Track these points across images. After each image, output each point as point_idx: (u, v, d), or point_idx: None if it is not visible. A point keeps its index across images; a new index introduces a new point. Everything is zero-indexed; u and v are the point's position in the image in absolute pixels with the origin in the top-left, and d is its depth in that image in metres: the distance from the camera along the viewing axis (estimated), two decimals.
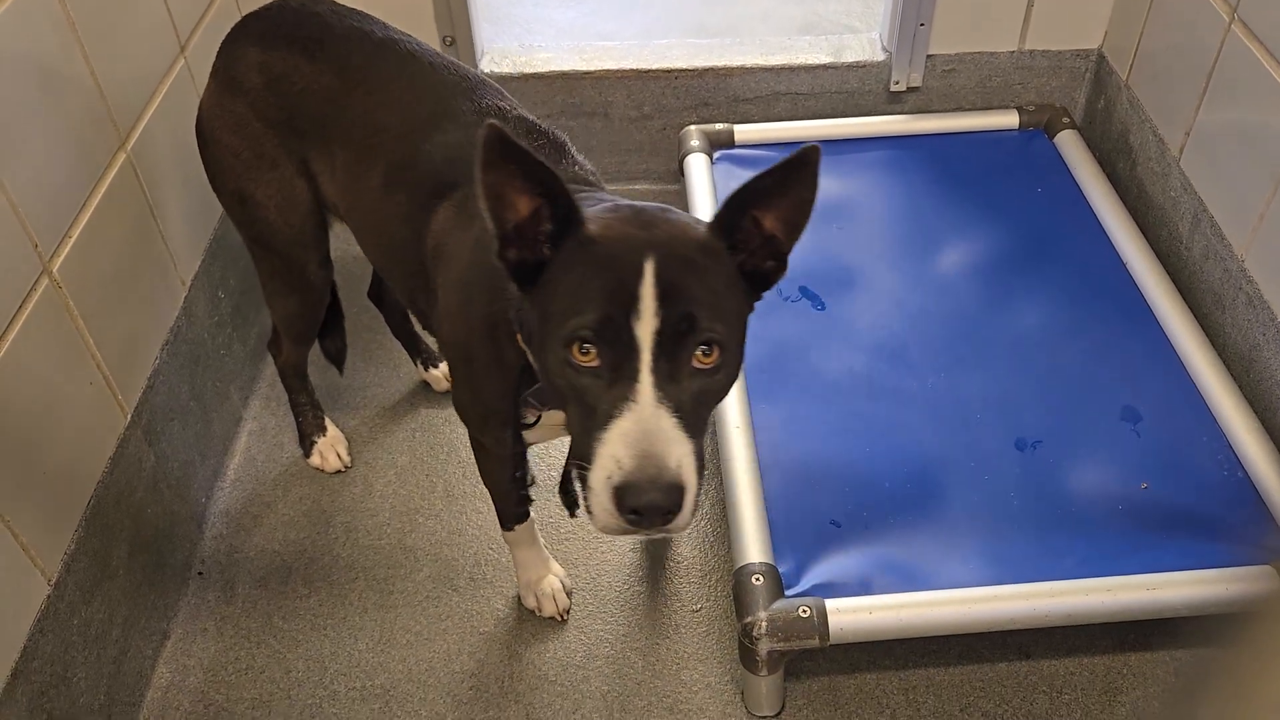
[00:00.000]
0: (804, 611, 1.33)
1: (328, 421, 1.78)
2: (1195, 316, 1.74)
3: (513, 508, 1.46)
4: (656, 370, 0.90)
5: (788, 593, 1.38)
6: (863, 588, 1.39)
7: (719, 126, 2.16)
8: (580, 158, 1.26)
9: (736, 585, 1.39)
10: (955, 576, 1.40)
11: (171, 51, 1.65)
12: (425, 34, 2.12)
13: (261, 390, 1.92)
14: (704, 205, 1.99)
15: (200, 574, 1.63)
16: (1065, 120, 2.14)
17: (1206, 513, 1.47)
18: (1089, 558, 1.42)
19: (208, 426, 1.72)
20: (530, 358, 1.06)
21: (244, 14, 1.42)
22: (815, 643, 1.32)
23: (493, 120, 0.90)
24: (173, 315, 1.62)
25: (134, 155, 1.51)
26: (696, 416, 0.93)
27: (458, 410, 1.32)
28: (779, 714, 1.44)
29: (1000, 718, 1.43)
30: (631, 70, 2.19)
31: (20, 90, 1.25)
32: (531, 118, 1.28)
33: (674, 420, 0.90)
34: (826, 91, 2.22)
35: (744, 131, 2.15)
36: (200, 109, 1.42)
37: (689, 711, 1.46)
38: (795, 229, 0.99)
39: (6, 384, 1.19)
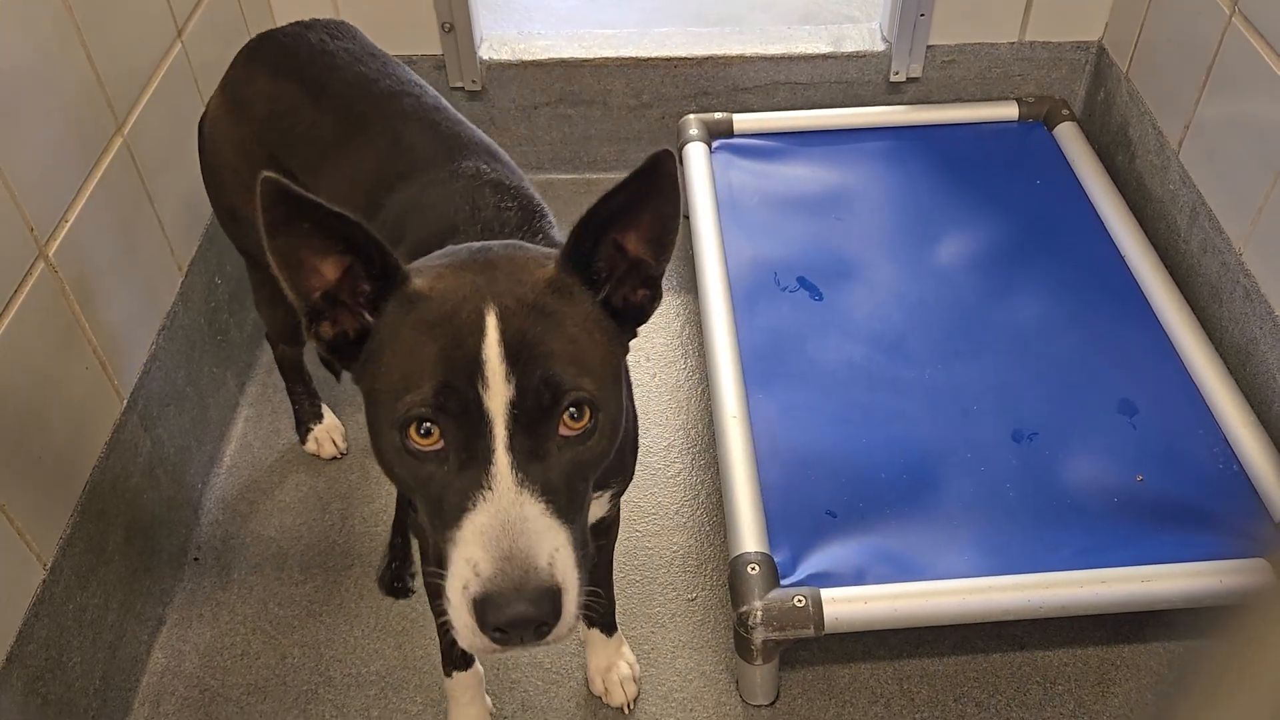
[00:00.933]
0: (799, 601, 1.33)
1: (324, 409, 1.78)
2: (1192, 309, 1.74)
3: (457, 651, 1.29)
4: (514, 447, 0.75)
5: (783, 582, 1.38)
6: (858, 578, 1.39)
7: (718, 115, 2.16)
8: (554, 230, 1.10)
9: (732, 574, 1.39)
10: (950, 567, 1.41)
11: (169, 36, 1.64)
12: (425, 21, 2.11)
13: (259, 376, 1.91)
14: (703, 194, 1.98)
15: (196, 560, 1.63)
16: (1065, 112, 2.14)
17: (1201, 506, 1.48)
18: (1084, 549, 1.42)
19: (204, 412, 1.72)
20: None
21: (256, 32, 1.39)
22: (810, 632, 1.33)
23: (268, 173, 0.76)
24: (169, 301, 1.62)
25: (130, 140, 1.50)
26: (572, 494, 0.78)
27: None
28: (774, 703, 1.45)
29: (994, 708, 1.44)
30: (631, 58, 2.19)
31: (17, 74, 1.24)
32: (510, 181, 1.14)
33: (541, 506, 0.75)
34: (826, 81, 2.22)
35: (743, 121, 2.14)
36: (206, 115, 1.39)
37: (684, 700, 1.46)
38: (663, 247, 0.85)
39: (2, 368, 1.19)
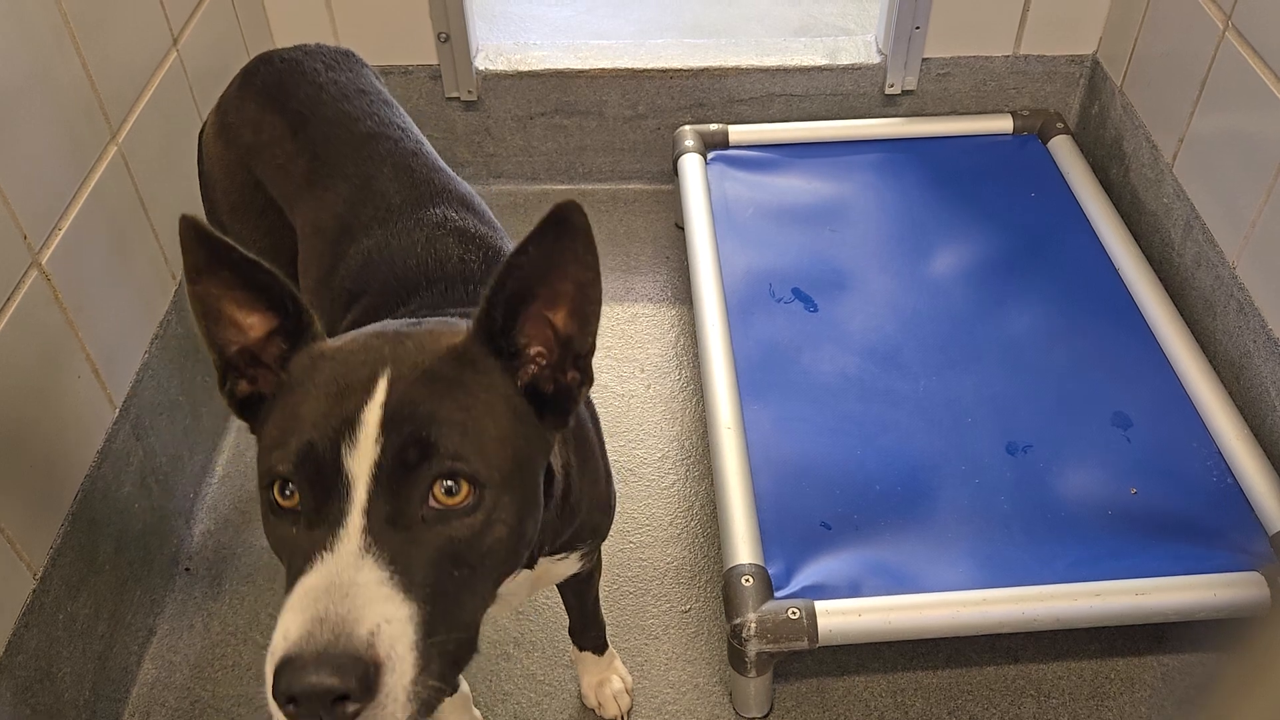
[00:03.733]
0: (793, 613, 1.33)
1: None
2: (1186, 322, 1.75)
3: None
4: (371, 512, 0.69)
5: (777, 594, 1.37)
6: (852, 590, 1.39)
7: (713, 127, 2.16)
8: None
9: (726, 586, 1.39)
10: (945, 579, 1.40)
11: (164, 44, 1.64)
12: (420, 31, 2.11)
13: None
14: (698, 206, 1.99)
15: (188, 570, 1.62)
16: (1059, 125, 2.14)
17: (1195, 518, 1.48)
18: (1078, 562, 1.42)
19: (197, 422, 1.71)
20: None
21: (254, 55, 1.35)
22: (804, 644, 1.32)
23: (186, 214, 0.73)
24: (163, 309, 1.61)
25: (125, 149, 1.50)
26: (439, 575, 0.71)
27: None
28: (767, 715, 1.44)
29: None
30: (626, 69, 2.19)
31: (11, 80, 1.24)
32: (478, 230, 1.10)
33: (384, 574, 0.67)
34: (821, 93, 2.22)
35: (739, 132, 2.15)
36: (204, 130, 1.36)
37: (677, 713, 1.46)
38: (585, 319, 0.78)
39: None
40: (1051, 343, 1.75)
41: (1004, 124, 2.17)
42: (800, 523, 1.48)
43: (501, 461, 0.74)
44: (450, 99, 2.20)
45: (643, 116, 2.24)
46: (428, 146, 1.23)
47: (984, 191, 2.04)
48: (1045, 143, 2.14)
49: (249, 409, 0.80)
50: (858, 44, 2.24)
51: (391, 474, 0.70)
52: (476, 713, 1.41)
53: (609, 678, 1.45)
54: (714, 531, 1.66)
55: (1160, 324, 1.74)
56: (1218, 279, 1.73)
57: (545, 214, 0.72)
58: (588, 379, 0.81)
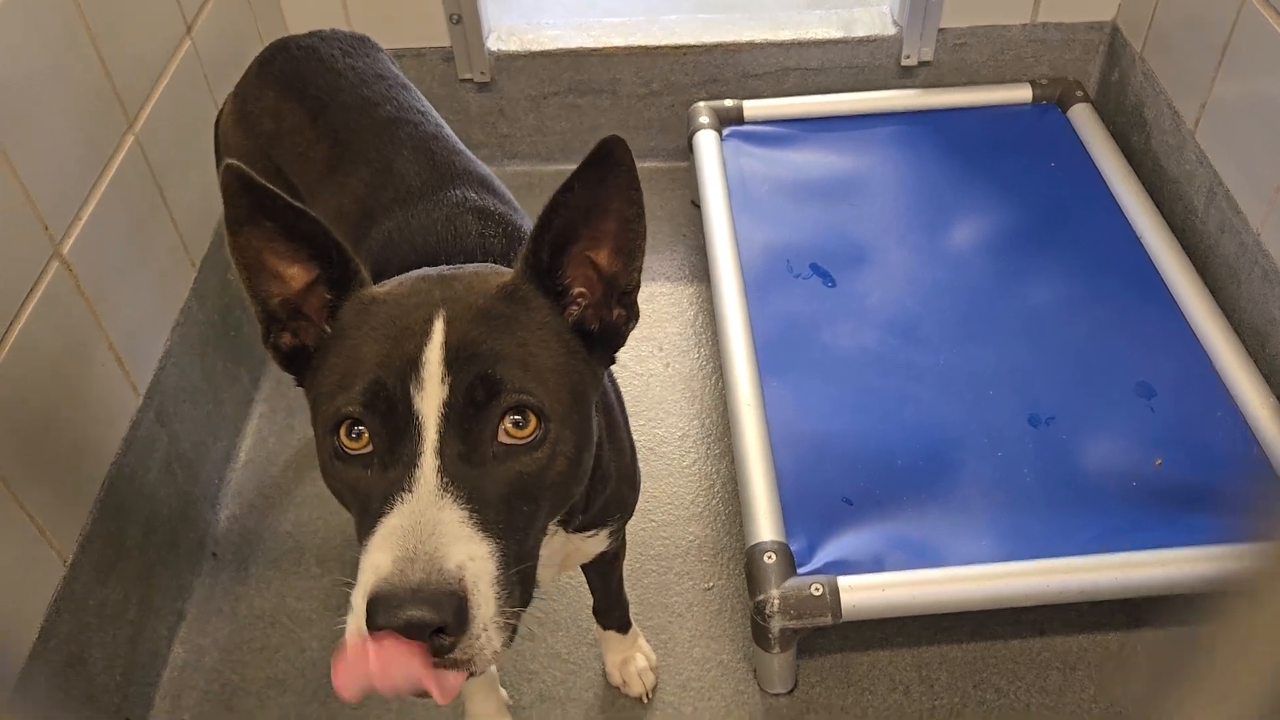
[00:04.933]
0: (816, 589, 1.33)
1: None
2: (1210, 290, 1.73)
3: None
4: (445, 452, 0.71)
5: (800, 570, 1.37)
6: (875, 565, 1.38)
7: (728, 103, 2.15)
8: None
9: (749, 563, 1.39)
10: (968, 553, 1.40)
11: (178, 33, 1.64)
12: (433, 13, 2.11)
13: (272, 373, 1.92)
14: (714, 182, 1.98)
15: (214, 555, 1.64)
16: (1079, 94, 2.12)
17: (1220, 488, 1.47)
18: (1102, 533, 1.41)
19: (219, 408, 1.73)
20: None
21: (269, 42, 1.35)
22: (828, 620, 1.32)
23: (231, 161, 0.74)
24: (183, 296, 1.62)
25: (142, 138, 1.50)
26: (510, 511, 0.73)
27: None
28: (792, 691, 1.45)
29: (1013, 694, 1.43)
30: (639, 47, 2.18)
31: (28, 72, 1.25)
32: (497, 209, 1.10)
33: (463, 513, 0.70)
34: (836, 66, 2.20)
35: (754, 108, 2.13)
36: (221, 117, 1.36)
37: (701, 689, 1.46)
38: (630, 256, 0.79)
39: (20, 366, 1.19)
40: (1073, 313, 1.73)
41: (1023, 93, 2.15)
42: (822, 499, 1.47)
43: (561, 394, 0.76)
44: (463, 80, 2.20)
45: (657, 94, 2.23)
46: (447, 129, 1.23)
47: (1003, 162, 2.02)
48: (1065, 111, 2.11)
49: (293, 362, 0.81)
50: (873, 15, 2.21)
51: (462, 412, 0.72)
52: (503, 692, 1.42)
53: (633, 656, 1.45)
54: (735, 509, 1.66)
55: (1183, 292, 1.72)
56: (1242, 246, 1.71)
57: (591, 150, 0.73)
58: (634, 315, 0.83)
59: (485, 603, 0.69)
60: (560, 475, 0.76)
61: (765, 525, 1.41)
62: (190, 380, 1.62)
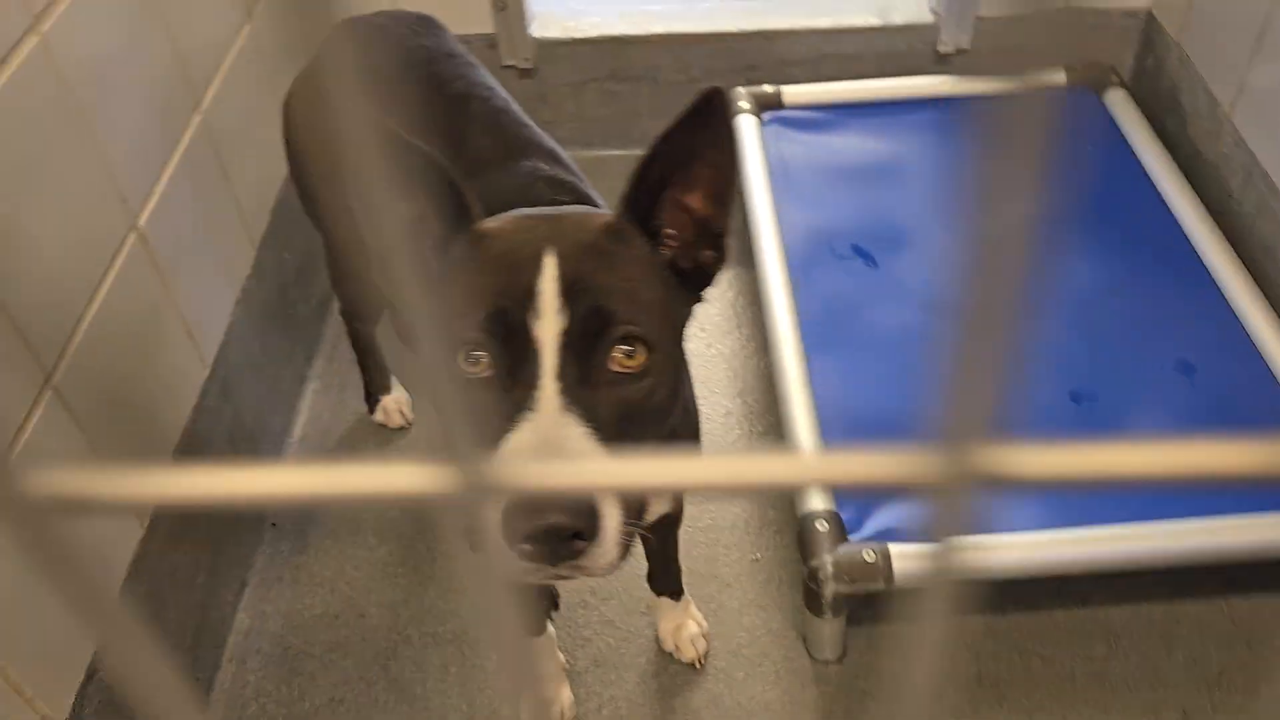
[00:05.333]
0: (869, 555, 1.36)
1: (393, 381, 1.82)
2: (1248, 270, 1.75)
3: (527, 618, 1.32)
4: (563, 375, 0.75)
5: (852, 537, 1.41)
6: (924, 533, 1.41)
7: (768, 88, 2.18)
8: None
9: (801, 530, 1.42)
10: (1014, 522, 1.43)
11: (240, 15, 1.68)
12: (477, 0, 2.14)
13: (324, 350, 1.96)
14: (755, 167, 2.01)
15: (274, 525, 1.68)
16: (1114, 79, 2.14)
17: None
18: (1148, 504, 1.44)
19: (277, 384, 1.77)
20: None
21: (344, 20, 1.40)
22: (880, 585, 1.36)
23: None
24: (244, 274, 1.66)
25: (208, 117, 1.55)
26: (620, 431, 0.77)
27: None
28: (841, 658, 1.48)
29: (1058, 663, 1.46)
30: (678, 34, 2.21)
31: (109, 48, 1.29)
32: (567, 179, 1.15)
33: (585, 431, 0.74)
34: (873, 54, 2.23)
35: (792, 93, 2.16)
36: (291, 97, 1.40)
37: (752, 656, 1.50)
38: (723, 201, 0.84)
39: (102, 336, 1.24)
40: (1112, 293, 1.76)
41: (1058, 78, 2.16)
42: None
43: (663, 327, 0.81)
44: (506, 67, 2.24)
45: (696, 80, 2.26)
46: (514, 104, 1.27)
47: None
48: (1100, 96, 2.14)
49: None
50: (910, 3, 2.24)
51: (578, 341, 0.76)
52: (561, 656, 1.45)
53: (686, 622, 1.49)
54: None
55: (1221, 270, 1.75)
56: (1278, 226, 1.73)
57: (691, 100, 0.77)
58: (723, 256, 0.87)
59: (611, 512, 0.73)
60: (661, 403, 0.81)
61: (816, 494, 1.45)
62: (250, 355, 1.66)
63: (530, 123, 1.25)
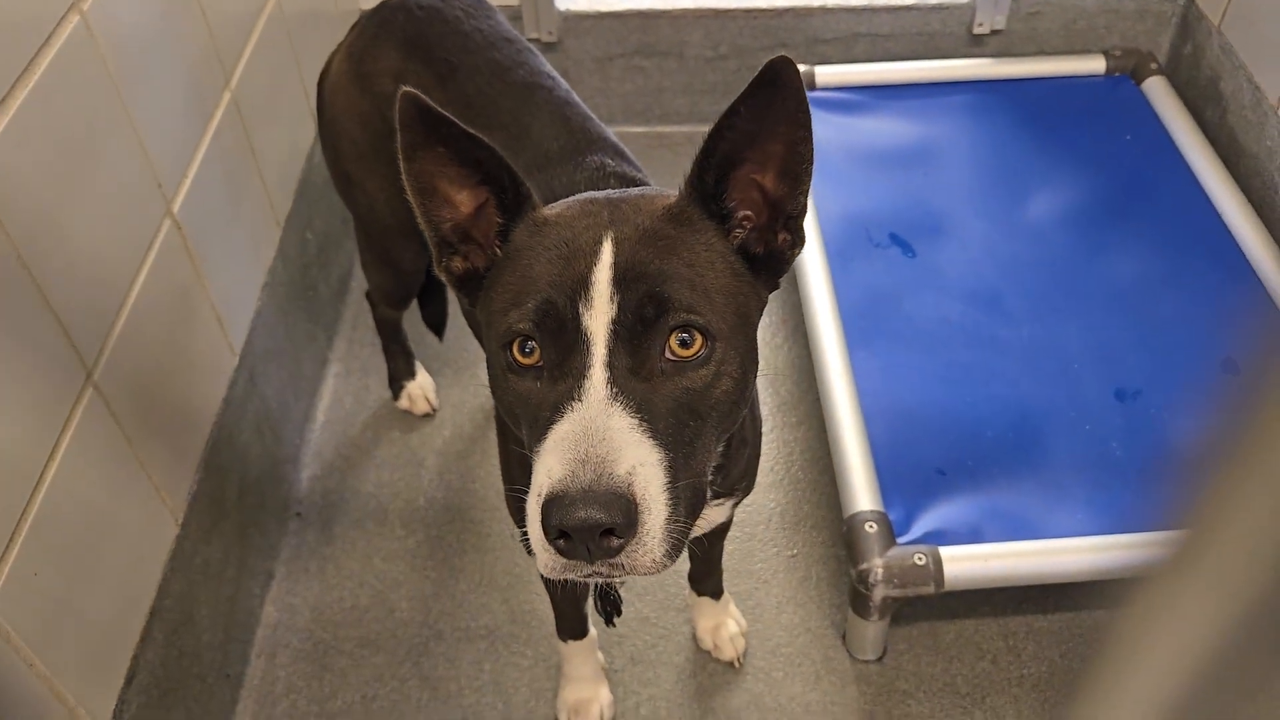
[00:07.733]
0: (920, 559, 1.34)
1: (418, 366, 1.78)
2: None
3: (570, 619, 1.31)
4: (613, 364, 0.73)
5: (900, 540, 1.38)
6: (973, 536, 1.39)
7: (800, 68, 2.12)
8: None
9: (849, 532, 1.40)
10: (1063, 525, 1.41)
11: None
12: None
13: (345, 332, 1.91)
14: None
15: (299, 514, 1.64)
16: (1153, 66, 2.10)
17: None
18: None
19: (299, 369, 1.72)
20: None
21: None
22: (930, 590, 1.33)
23: (408, 89, 0.77)
24: (270, 257, 1.61)
25: (237, 95, 1.49)
26: (678, 424, 0.74)
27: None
28: (881, 658, 1.46)
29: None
30: (709, 9, 2.15)
31: (145, 31, 1.23)
32: (635, 176, 1.11)
33: (632, 421, 0.72)
34: (907, 33, 2.18)
35: (825, 74, 2.11)
36: (327, 77, 1.34)
37: (791, 655, 1.48)
38: (797, 179, 0.79)
39: (140, 326, 1.19)
40: (1154, 288, 1.73)
41: (1096, 64, 2.13)
42: (916, 469, 1.48)
43: (727, 314, 0.77)
44: (530, 40, 2.17)
45: (724, 57, 2.21)
46: (576, 95, 1.22)
47: (1077, 133, 2.01)
48: (1138, 83, 2.10)
49: (465, 285, 0.84)
50: None
51: (630, 329, 0.74)
52: (600, 655, 1.43)
53: (725, 621, 1.47)
54: (814, 477, 1.67)
55: (1265, 266, 1.72)
56: None
57: (757, 73, 0.72)
58: (799, 240, 0.83)
59: (654, 508, 0.71)
60: (726, 394, 0.77)
61: (863, 495, 1.42)
62: (276, 340, 1.61)
63: (593, 116, 1.20)
